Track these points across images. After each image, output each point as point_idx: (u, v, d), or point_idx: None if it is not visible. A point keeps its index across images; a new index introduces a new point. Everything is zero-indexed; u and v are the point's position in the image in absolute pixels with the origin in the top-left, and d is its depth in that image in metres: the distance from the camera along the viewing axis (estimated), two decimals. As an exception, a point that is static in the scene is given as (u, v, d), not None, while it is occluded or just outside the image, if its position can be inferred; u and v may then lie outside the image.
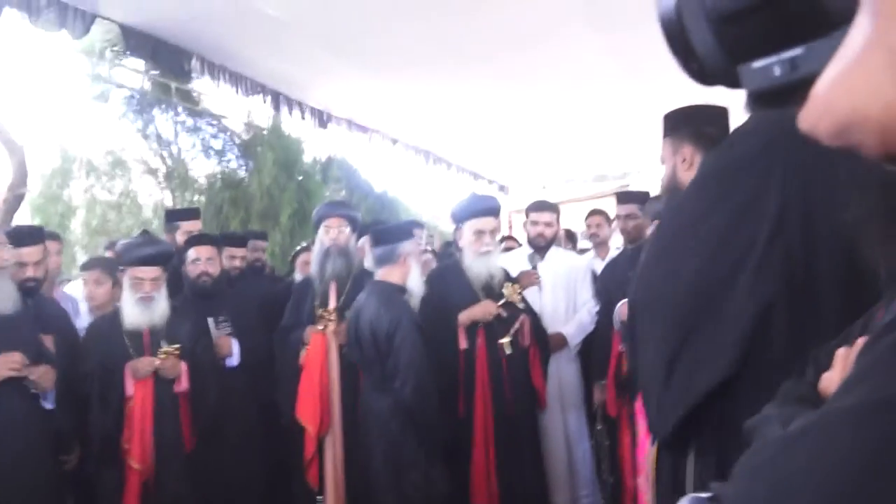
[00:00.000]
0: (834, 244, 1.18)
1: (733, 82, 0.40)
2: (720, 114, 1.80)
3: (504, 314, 3.06)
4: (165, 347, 2.94)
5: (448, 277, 3.27)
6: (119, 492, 2.85)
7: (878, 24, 0.32)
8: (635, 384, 2.66)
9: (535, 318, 3.24)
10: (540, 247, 3.72)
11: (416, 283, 3.05)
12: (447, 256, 4.03)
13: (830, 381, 0.80)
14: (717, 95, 1.89)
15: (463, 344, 3.04)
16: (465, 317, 3.07)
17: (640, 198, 3.69)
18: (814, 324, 1.15)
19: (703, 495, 1.00)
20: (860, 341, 0.70)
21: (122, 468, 2.86)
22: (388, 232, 3.11)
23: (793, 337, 1.18)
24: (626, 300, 2.65)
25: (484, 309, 3.07)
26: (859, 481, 0.50)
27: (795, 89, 0.37)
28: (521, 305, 3.12)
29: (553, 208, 3.81)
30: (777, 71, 0.38)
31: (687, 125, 1.79)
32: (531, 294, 3.38)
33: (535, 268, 3.44)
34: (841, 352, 0.77)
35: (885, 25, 0.32)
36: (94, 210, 6.48)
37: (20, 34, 4.31)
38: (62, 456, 2.86)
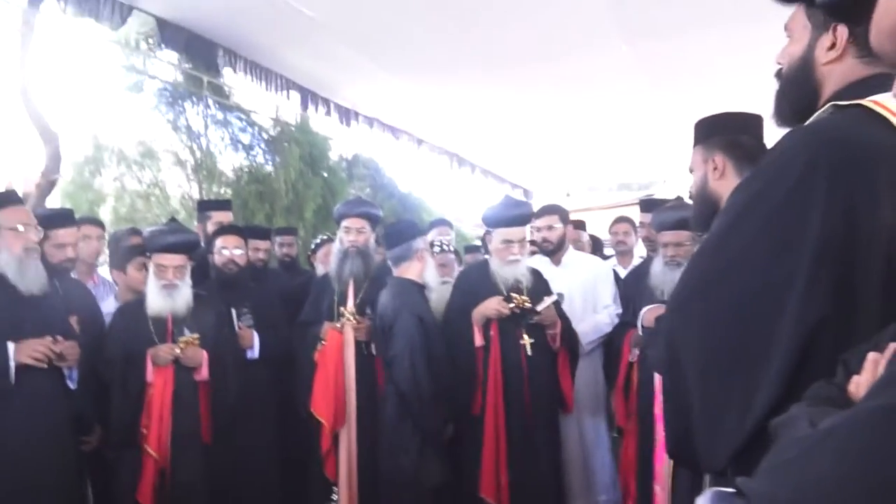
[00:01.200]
0: (876, 259, 1.16)
1: None
2: (754, 122, 1.78)
3: (517, 311, 3.06)
4: (186, 336, 2.97)
5: (474, 278, 3.28)
6: (136, 477, 2.88)
7: None
8: (648, 394, 2.66)
9: (566, 323, 3.24)
10: (548, 252, 3.70)
11: (432, 278, 3.12)
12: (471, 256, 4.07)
13: (859, 384, 0.79)
14: (746, 106, 1.87)
15: (479, 341, 3.05)
16: (477, 314, 3.08)
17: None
18: (857, 340, 1.14)
19: (728, 490, 0.99)
20: (892, 345, 0.70)
21: (140, 454, 2.90)
22: (400, 232, 3.20)
23: (837, 355, 1.16)
24: (653, 305, 2.65)
25: (492, 306, 3.07)
26: (888, 484, 0.50)
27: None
28: (539, 308, 3.12)
29: (554, 211, 3.74)
30: None
31: (719, 133, 1.76)
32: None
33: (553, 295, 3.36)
34: (871, 356, 0.76)
35: None
36: (123, 199, 6.58)
37: (59, 25, 4.40)
38: (82, 437, 2.91)
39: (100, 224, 3.61)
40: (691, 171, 1.80)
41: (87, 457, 2.95)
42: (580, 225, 4.70)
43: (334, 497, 2.13)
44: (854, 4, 0.40)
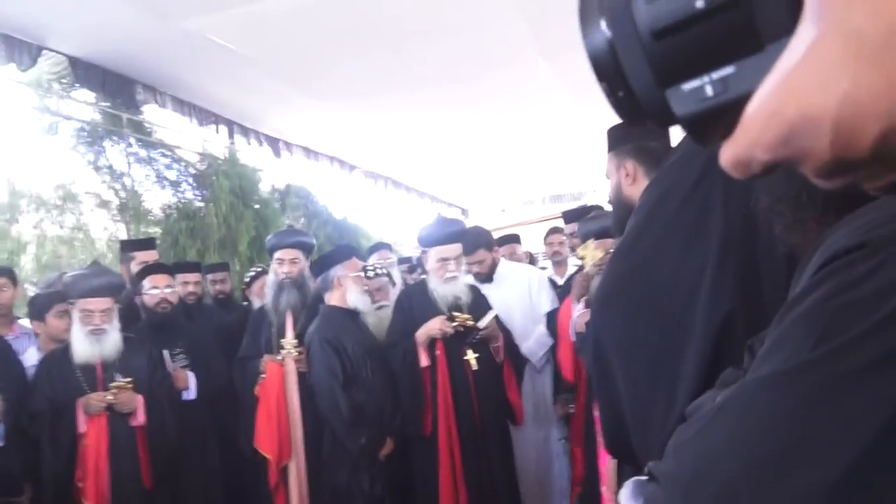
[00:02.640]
0: (779, 248, 1.23)
1: (662, 112, 0.37)
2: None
3: (461, 329, 3.09)
4: (118, 381, 2.87)
5: (414, 299, 3.28)
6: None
7: (832, 16, 0.29)
8: (592, 394, 2.72)
9: (507, 335, 3.27)
10: (483, 280, 3.71)
11: (357, 301, 3.17)
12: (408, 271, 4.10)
13: None
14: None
15: (424, 361, 3.05)
16: (421, 334, 3.08)
17: (587, 213, 3.74)
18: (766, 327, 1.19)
19: (643, 478, 1.02)
20: None
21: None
22: (322, 261, 3.33)
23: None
24: (583, 311, 2.71)
25: (436, 326, 3.08)
26: (778, 444, 0.53)
27: (724, 115, 0.35)
28: (481, 325, 3.15)
29: (479, 244, 3.65)
30: (709, 91, 0.35)
31: (629, 140, 1.83)
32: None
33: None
34: None
35: (841, 13, 0.29)
36: (45, 246, 6.32)
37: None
38: (12, 498, 2.75)
39: (8, 273, 3.46)
40: (607, 177, 1.87)
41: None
42: (514, 238, 4.78)
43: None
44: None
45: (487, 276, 3.71)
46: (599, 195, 7.89)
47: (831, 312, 0.55)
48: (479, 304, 3.27)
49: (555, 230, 4.76)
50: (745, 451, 0.55)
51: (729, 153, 0.35)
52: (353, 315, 3.19)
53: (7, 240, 6.18)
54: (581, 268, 3.67)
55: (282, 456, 3.24)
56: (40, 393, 2.85)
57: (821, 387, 0.52)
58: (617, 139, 1.85)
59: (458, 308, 3.19)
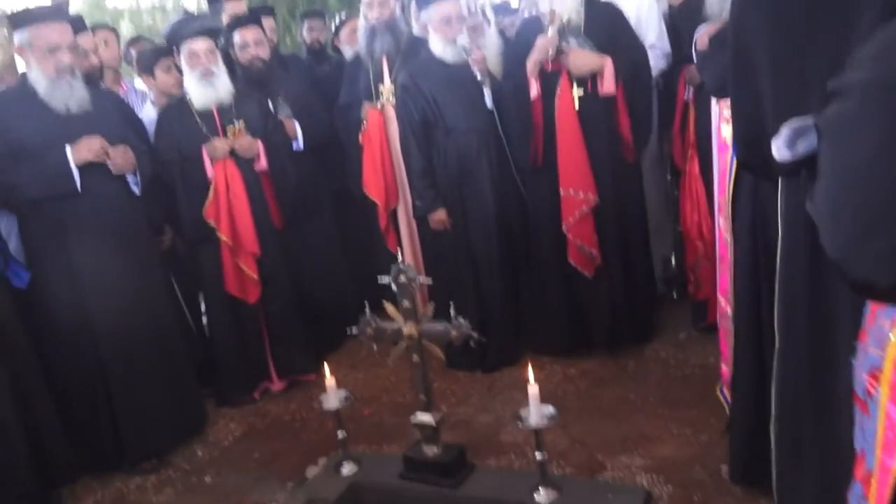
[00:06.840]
0: None
1: None
2: None
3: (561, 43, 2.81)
4: (234, 125, 2.94)
5: (532, 31, 2.98)
6: (218, 268, 3.00)
7: None
8: (706, 132, 2.52)
9: (622, 58, 2.86)
10: None
11: (438, 51, 3.03)
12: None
13: None
14: None
15: (534, 92, 2.86)
16: (530, 64, 2.86)
17: None
18: None
19: (803, 122, 0.94)
20: None
21: (218, 244, 2.96)
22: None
23: None
24: (706, 25, 2.42)
25: (540, 47, 2.82)
26: None
27: None
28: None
29: None
30: None
31: None
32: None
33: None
34: None
35: None
36: (140, 14, 6.41)
37: None
38: (155, 237, 3.02)
39: (112, 28, 3.51)
40: None
41: (165, 254, 3.11)
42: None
43: (400, 258, 2.18)
44: None
45: None
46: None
47: None
48: (597, 24, 2.88)
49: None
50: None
51: None
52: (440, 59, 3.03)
53: (104, 11, 6.27)
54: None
55: (389, 200, 3.37)
56: (166, 142, 2.98)
57: None
58: None
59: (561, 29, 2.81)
